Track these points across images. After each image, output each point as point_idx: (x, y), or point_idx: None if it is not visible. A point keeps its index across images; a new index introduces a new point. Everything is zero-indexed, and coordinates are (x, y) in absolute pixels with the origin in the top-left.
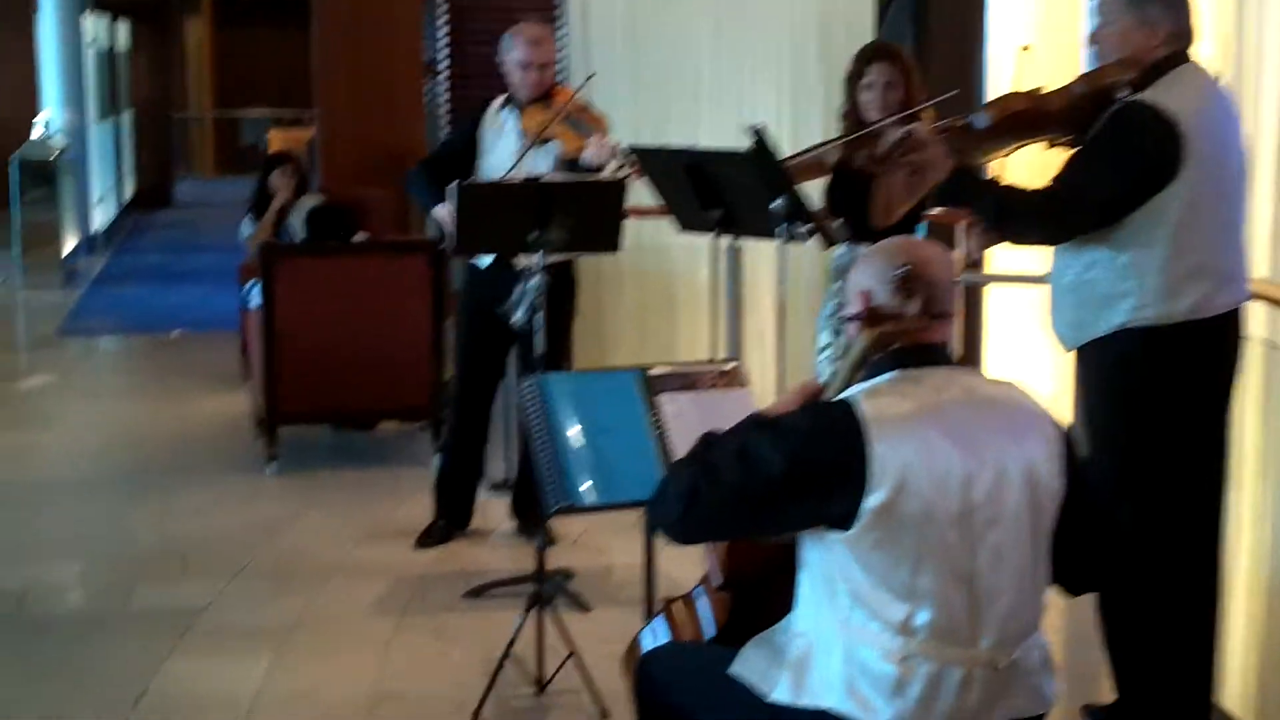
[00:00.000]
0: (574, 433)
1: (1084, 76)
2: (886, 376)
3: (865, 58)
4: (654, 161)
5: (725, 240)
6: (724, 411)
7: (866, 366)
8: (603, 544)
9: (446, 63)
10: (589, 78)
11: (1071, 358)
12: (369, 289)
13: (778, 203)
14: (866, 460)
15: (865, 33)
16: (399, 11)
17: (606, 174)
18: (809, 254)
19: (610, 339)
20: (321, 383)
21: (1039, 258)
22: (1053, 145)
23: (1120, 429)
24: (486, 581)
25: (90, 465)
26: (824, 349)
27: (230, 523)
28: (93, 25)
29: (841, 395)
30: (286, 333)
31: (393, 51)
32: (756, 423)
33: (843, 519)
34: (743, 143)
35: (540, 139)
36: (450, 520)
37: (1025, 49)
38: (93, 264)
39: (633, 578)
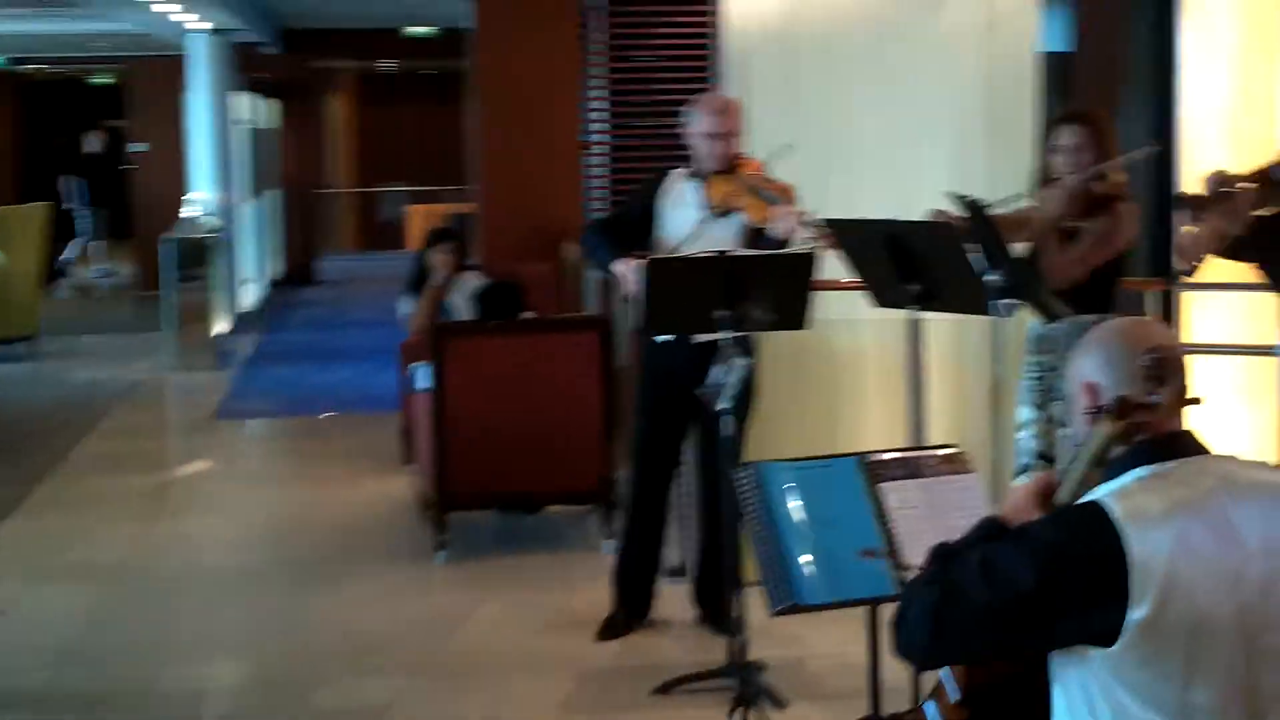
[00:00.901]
0: (796, 525)
1: None
2: (1136, 474)
3: (1056, 120)
4: (851, 233)
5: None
6: (952, 501)
7: (1109, 463)
8: (793, 633)
9: (604, 139)
10: (784, 145)
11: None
12: (540, 368)
13: (995, 276)
14: (1127, 570)
15: (1031, 100)
16: (557, 90)
17: (795, 245)
18: (979, 325)
19: (769, 419)
20: (492, 467)
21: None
22: None
23: None
24: (675, 677)
25: (255, 555)
26: (1023, 425)
27: (405, 615)
28: (241, 105)
29: (1089, 497)
30: (458, 415)
31: (551, 129)
32: (995, 530)
33: (1105, 635)
34: (914, 213)
35: (725, 210)
36: (630, 611)
37: None
38: (243, 344)
39: (827, 669)
